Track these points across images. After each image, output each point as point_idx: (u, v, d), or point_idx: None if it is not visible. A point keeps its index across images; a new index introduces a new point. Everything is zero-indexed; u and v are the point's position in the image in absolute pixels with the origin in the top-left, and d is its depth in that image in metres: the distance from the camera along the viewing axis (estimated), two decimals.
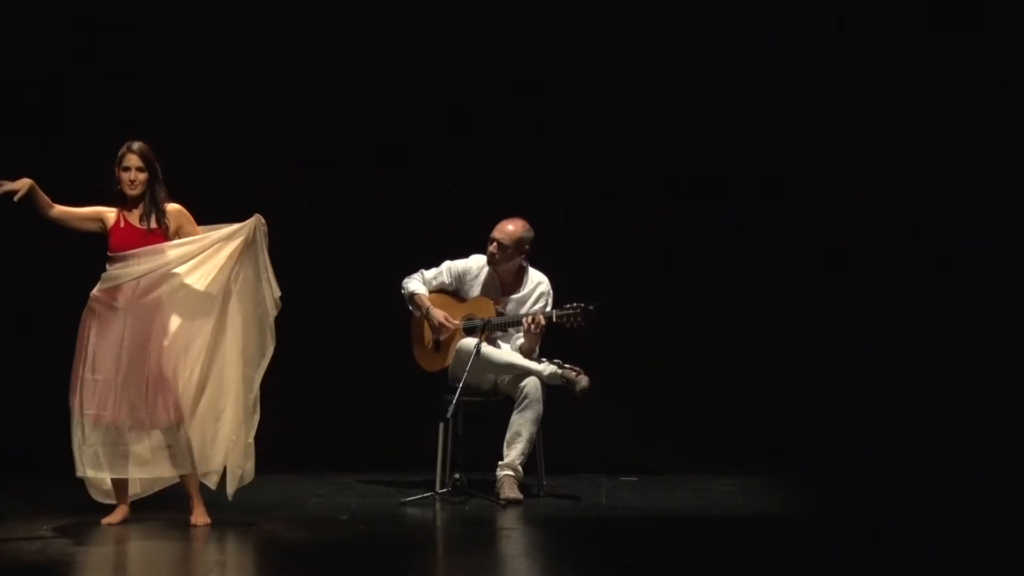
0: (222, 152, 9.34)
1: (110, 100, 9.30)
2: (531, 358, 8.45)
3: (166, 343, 7.60)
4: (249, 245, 7.67)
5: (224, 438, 7.65)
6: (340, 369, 9.27)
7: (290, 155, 9.50)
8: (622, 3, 9.47)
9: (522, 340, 8.51)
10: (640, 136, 9.52)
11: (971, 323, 9.25)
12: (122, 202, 7.72)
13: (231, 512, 7.75)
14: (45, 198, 7.64)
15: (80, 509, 7.82)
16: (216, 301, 7.65)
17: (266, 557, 7.21)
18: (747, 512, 8.19)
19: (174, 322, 7.63)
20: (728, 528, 7.82)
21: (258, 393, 7.67)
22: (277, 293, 7.68)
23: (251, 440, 7.68)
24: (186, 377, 7.61)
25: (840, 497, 8.70)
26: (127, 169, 7.67)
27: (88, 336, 7.62)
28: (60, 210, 7.68)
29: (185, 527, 7.58)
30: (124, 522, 7.64)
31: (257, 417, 7.67)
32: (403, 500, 8.27)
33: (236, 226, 7.70)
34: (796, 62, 9.39)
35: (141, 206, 7.69)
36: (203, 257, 7.67)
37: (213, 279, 7.65)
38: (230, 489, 7.69)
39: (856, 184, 9.36)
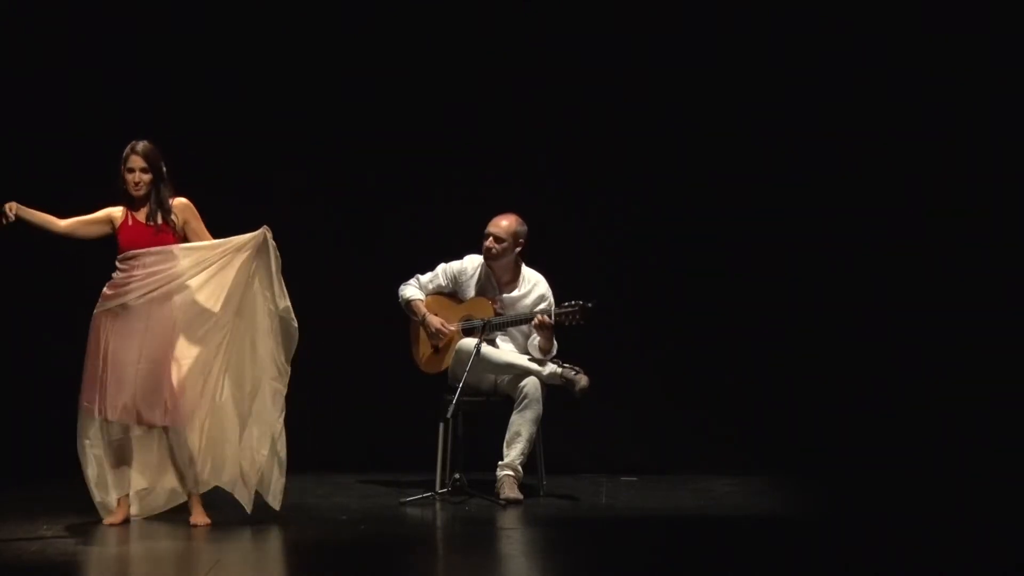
0: (220, 153, 9.33)
1: (110, 100, 9.30)
2: (547, 356, 8.45)
3: (180, 359, 7.57)
4: (258, 257, 7.63)
5: (250, 452, 7.66)
6: (340, 369, 9.27)
7: (288, 156, 9.50)
8: (622, 3, 9.47)
9: (539, 339, 8.52)
10: (640, 136, 9.51)
11: (971, 323, 9.25)
12: (128, 201, 7.70)
13: (231, 512, 7.75)
14: (44, 216, 7.59)
15: (80, 509, 7.81)
16: (226, 317, 7.60)
17: (266, 557, 7.21)
18: (747, 512, 8.19)
19: (185, 338, 7.58)
20: (728, 528, 7.81)
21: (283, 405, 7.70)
22: (283, 304, 7.67)
23: (281, 453, 7.70)
24: (197, 391, 7.58)
25: (840, 497, 8.70)
26: (131, 170, 7.65)
27: (103, 336, 7.58)
28: (69, 223, 7.65)
29: (185, 527, 7.57)
30: (126, 522, 7.64)
31: (280, 429, 7.70)
32: (403, 500, 8.27)
33: (244, 237, 7.65)
34: (796, 62, 9.39)
35: (147, 206, 7.67)
36: (213, 271, 7.62)
37: (224, 295, 7.60)
38: (272, 501, 7.71)
39: (856, 184, 9.36)
